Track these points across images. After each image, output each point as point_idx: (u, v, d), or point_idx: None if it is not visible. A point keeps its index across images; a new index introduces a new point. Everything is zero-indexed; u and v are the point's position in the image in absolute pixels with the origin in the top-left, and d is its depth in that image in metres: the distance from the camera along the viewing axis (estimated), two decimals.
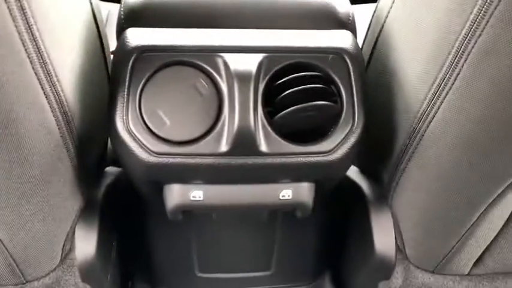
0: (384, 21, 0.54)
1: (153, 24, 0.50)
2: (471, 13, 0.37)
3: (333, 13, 0.52)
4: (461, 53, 0.40)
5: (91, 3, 0.53)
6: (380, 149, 0.57)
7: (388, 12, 0.53)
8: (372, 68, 0.57)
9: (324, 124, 0.48)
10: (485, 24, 0.37)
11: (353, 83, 0.48)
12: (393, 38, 0.51)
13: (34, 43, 0.38)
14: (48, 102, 0.42)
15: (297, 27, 0.51)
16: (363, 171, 0.65)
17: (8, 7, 0.34)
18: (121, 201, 0.65)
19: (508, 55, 0.37)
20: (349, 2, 0.56)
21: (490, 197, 0.49)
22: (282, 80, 0.46)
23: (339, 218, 0.70)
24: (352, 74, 0.48)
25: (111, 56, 0.61)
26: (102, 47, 0.56)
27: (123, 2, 0.52)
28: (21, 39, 0.37)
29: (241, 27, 0.51)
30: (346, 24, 0.53)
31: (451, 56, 0.41)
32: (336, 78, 0.48)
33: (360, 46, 0.56)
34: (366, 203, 0.60)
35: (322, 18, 0.52)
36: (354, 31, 0.54)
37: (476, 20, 0.37)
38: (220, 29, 0.50)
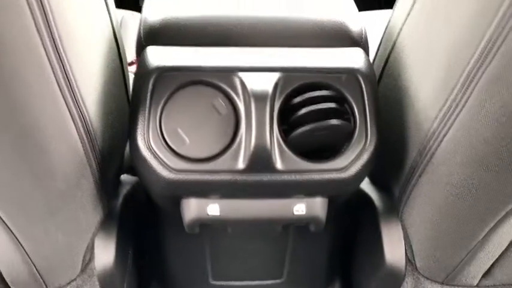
0: (396, 39, 0.55)
1: (172, 42, 0.52)
2: (482, 40, 0.39)
3: (346, 31, 0.54)
4: (472, 77, 0.41)
5: (111, 20, 0.54)
6: (391, 162, 0.58)
7: (401, 30, 0.54)
8: (383, 84, 0.58)
9: (337, 141, 0.50)
10: (496, 52, 0.38)
11: (366, 102, 0.49)
12: (405, 56, 0.53)
13: (59, 59, 0.39)
14: (72, 119, 0.44)
15: (311, 45, 0.53)
16: (374, 181, 0.66)
17: (37, 27, 0.36)
18: (137, 210, 0.67)
19: None
20: (361, 19, 0.57)
21: (500, 214, 0.50)
22: (297, 101, 0.48)
23: (349, 227, 0.71)
24: (365, 93, 0.49)
25: (128, 67, 0.63)
26: (120, 60, 0.58)
27: (142, 21, 0.54)
28: (48, 57, 0.38)
29: (257, 44, 0.52)
30: (359, 42, 0.54)
31: (462, 79, 0.42)
32: (349, 97, 0.49)
33: (372, 57, 0.58)
34: (376, 214, 0.61)
35: (336, 37, 0.54)
36: (366, 49, 0.55)
37: (486, 48, 0.38)
38: (237, 47, 0.51)
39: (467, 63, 0.41)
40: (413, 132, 0.51)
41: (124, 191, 0.63)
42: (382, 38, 0.60)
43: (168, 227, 0.67)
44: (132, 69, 0.75)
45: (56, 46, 0.38)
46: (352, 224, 0.70)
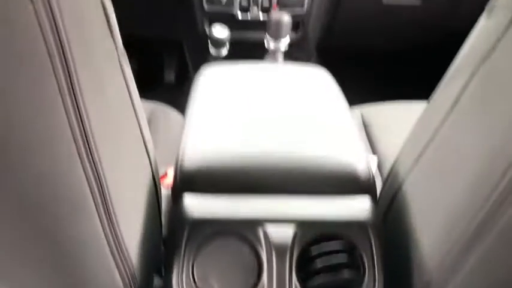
0: (402, 183, 0.62)
1: (206, 187, 0.59)
2: (483, 208, 0.44)
3: (356, 180, 0.61)
4: (474, 238, 0.46)
5: (149, 157, 0.61)
6: None
7: (406, 176, 0.61)
8: (390, 220, 0.65)
9: (349, 286, 0.56)
10: (496, 223, 0.43)
11: (374, 251, 0.56)
12: (409, 203, 0.58)
13: (104, 201, 0.45)
14: (115, 261, 0.50)
15: (324, 191, 0.60)
16: None
17: (79, 155, 0.40)
18: None
19: None
20: (368, 163, 0.64)
21: None
22: (314, 254, 0.55)
23: None
24: (373, 243, 0.56)
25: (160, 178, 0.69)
26: (157, 194, 0.65)
27: (179, 167, 0.62)
28: (95, 202, 0.43)
29: (278, 189, 0.60)
30: (367, 189, 0.61)
31: (464, 239, 0.47)
32: (359, 247, 0.56)
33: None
34: None
35: (346, 184, 0.61)
36: (374, 192, 0.62)
37: (487, 218, 0.44)
38: (260, 195, 0.59)
39: (469, 226, 0.46)
40: (415, 275, 0.57)
41: None
42: (388, 177, 0.67)
43: None
44: (163, 182, 0.81)
45: (102, 190, 0.43)
46: None
